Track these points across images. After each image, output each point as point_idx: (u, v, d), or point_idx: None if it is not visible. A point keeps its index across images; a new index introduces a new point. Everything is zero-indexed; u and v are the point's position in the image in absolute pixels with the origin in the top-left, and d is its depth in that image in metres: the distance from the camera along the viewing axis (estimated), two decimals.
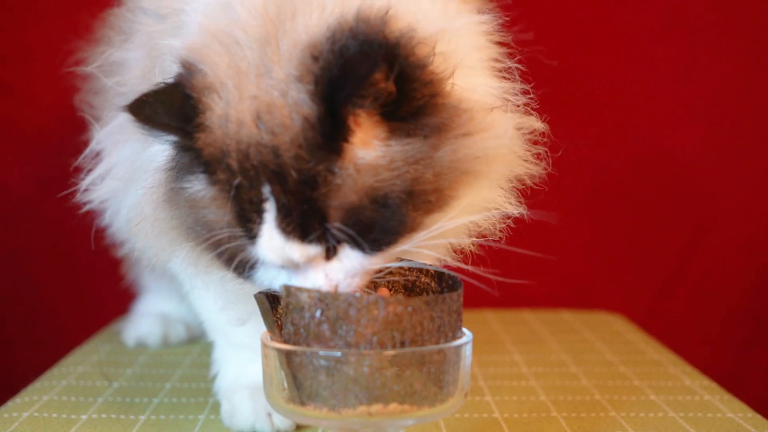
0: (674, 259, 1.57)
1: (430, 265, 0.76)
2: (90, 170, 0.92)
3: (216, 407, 0.92)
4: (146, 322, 1.24)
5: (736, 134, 1.55)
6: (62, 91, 1.13)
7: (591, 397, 0.98)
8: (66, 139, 1.15)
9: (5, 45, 1.47)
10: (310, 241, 0.68)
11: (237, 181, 0.68)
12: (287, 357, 0.66)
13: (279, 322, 0.70)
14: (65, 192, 0.91)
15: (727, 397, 0.98)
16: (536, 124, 0.77)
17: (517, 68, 0.79)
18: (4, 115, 1.48)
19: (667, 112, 1.56)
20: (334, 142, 0.68)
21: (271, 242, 0.68)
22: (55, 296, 1.53)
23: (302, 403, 0.67)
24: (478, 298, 1.03)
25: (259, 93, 0.68)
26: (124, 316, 1.32)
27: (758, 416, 0.91)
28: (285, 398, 0.68)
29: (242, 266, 0.72)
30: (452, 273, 0.72)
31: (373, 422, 0.66)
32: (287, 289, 0.67)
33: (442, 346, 0.66)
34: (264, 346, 0.69)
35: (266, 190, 0.68)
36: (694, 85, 1.54)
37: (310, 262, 0.70)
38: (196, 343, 1.22)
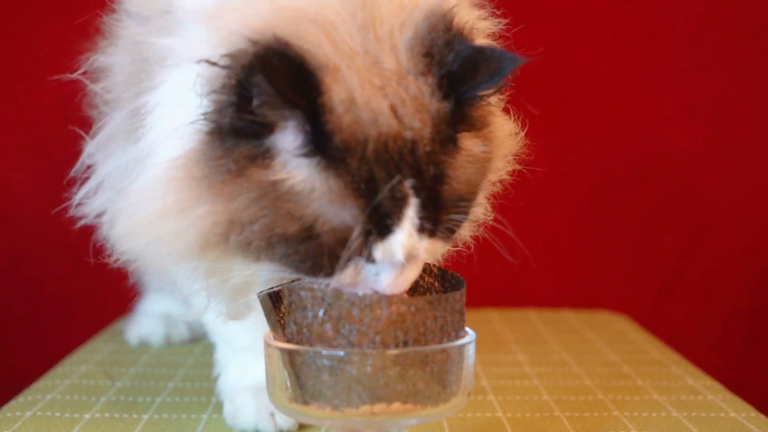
0: (677, 258, 1.57)
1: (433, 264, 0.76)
2: (82, 183, 0.90)
3: (219, 407, 0.92)
4: (149, 321, 1.24)
5: (738, 135, 1.55)
6: (65, 93, 1.13)
7: (594, 396, 0.98)
8: (69, 140, 1.15)
9: (7, 45, 1.47)
10: (439, 237, 0.68)
11: (370, 173, 0.65)
12: (290, 356, 0.66)
13: (282, 321, 0.70)
14: (65, 205, 0.89)
15: (730, 396, 0.98)
16: (515, 128, 0.79)
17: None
18: (5, 115, 1.49)
19: (669, 114, 1.56)
20: (456, 136, 0.69)
21: (409, 238, 0.66)
22: (57, 296, 1.53)
23: (305, 403, 0.67)
24: (481, 298, 1.03)
25: (382, 82, 0.66)
26: (126, 315, 1.32)
27: (761, 416, 0.91)
28: (288, 398, 0.68)
29: (336, 263, 0.67)
30: (455, 273, 0.72)
31: (376, 422, 0.66)
32: (290, 288, 0.67)
33: (445, 345, 0.66)
34: (267, 345, 0.69)
35: (409, 184, 0.65)
36: (696, 86, 1.54)
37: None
38: (199, 343, 1.22)
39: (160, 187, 0.69)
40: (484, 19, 0.78)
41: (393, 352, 0.64)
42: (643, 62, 1.55)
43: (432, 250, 0.69)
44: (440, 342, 0.66)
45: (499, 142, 0.75)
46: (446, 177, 0.68)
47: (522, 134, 0.78)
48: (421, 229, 0.67)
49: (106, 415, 0.91)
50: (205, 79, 0.66)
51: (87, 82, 0.85)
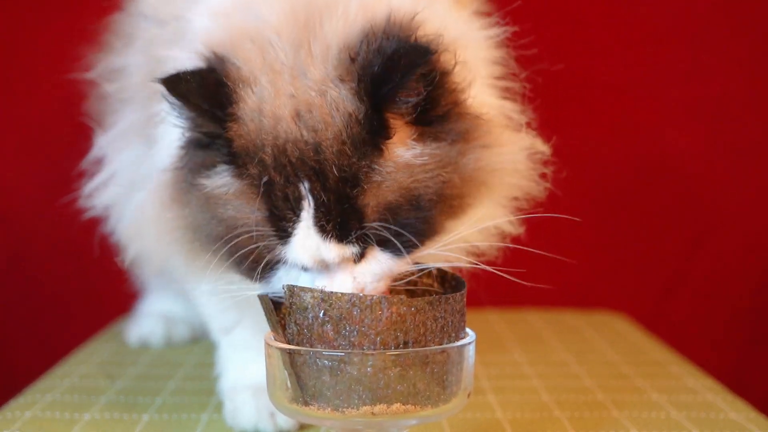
0: (677, 259, 1.57)
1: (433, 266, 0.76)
2: (92, 176, 0.92)
3: (219, 407, 0.92)
4: (149, 321, 1.24)
5: (740, 136, 1.55)
6: (65, 93, 1.14)
7: (594, 396, 0.98)
8: (68, 140, 1.15)
9: (8, 46, 1.47)
10: (348, 242, 0.68)
11: (268, 177, 0.68)
12: (291, 357, 0.66)
13: (282, 322, 0.70)
14: (68, 198, 0.91)
15: (730, 397, 0.98)
16: (541, 147, 0.78)
17: (522, 86, 0.81)
18: (6, 116, 1.49)
19: (671, 114, 1.56)
20: (377, 139, 0.68)
21: (307, 241, 0.67)
22: (57, 296, 1.53)
23: (305, 403, 0.67)
24: (481, 298, 1.03)
25: (296, 92, 0.69)
26: (126, 315, 1.32)
27: (761, 416, 0.91)
28: (288, 398, 0.68)
29: (260, 266, 0.70)
30: (455, 274, 0.72)
31: (376, 422, 0.66)
32: (291, 289, 0.67)
33: (445, 346, 0.66)
34: (267, 346, 0.69)
35: (304, 186, 0.67)
36: (698, 87, 1.54)
37: (339, 264, 0.69)
38: (199, 343, 1.22)
39: (148, 197, 0.76)
40: (486, 27, 0.79)
41: (393, 352, 0.64)
42: (644, 63, 1.55)
43: (346, 257, 0.68)
44: (440, 343, 0.66)
45: (501, 155, 0.74)
46: (361, 181, 0.68)
47: (544, 150, 0.78)
48: (323, 233, 0.67)
49: (106, 415, 0.91)
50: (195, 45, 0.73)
51: (102, 82, 0.88)
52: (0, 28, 1.48)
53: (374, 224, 0.68)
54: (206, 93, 0.69)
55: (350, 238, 0.68)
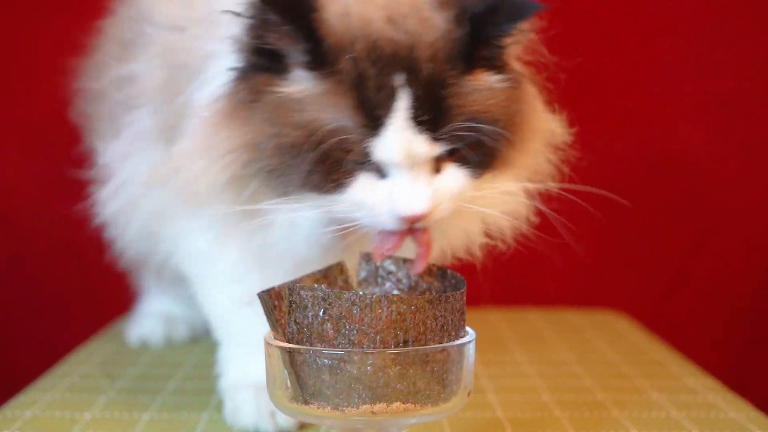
0: (679, 258, 1.57)
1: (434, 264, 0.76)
2: (100, 182, 0.93)
3: (219, 406, 0.92)
4: (149, 321, 1.24)
5: (744, 135, 1.55)
6: (65, 93, 1.14)
7: (594, 396, 0.98)
8: (69, 140, 1.16)
9: (7, 45, 1.48)
10: (438, 138, 0.70)
11: (359, 71, 0.69)
12: (290, 356, 0.66)
13: (282, 321, 0.70)
14: (79, 206, 0.92)
15: (730, 397, 0.98)
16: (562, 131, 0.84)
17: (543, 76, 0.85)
18: (5, 115, 1.49)
19: (674, 112, 1.55)
20: (467, 59, 0.73)
21: (400, 133, 0.69)
22: (57, 296, 1.53)
23: (305, 402, 0.67)
24: (481, 297, 1.03)
25: (388, 4, 0.73)
26: (126, 315, 1.32)
27: (762, 416, 0.91)
28: (288, 397, 0.68)
29: (339, 171, 0.71)
30: (455, 272, 0.72)
31: (376, 421, 0.66)
32: (290, 287, 0.67)
33: (445, 345, 0.66)
34: (267, 344, 0.69)
35: (399, 78, 0.69)
36: (702, 84, 1.54)
37: (421, 169, 0.71)
38: (199, 343, 1.22)
39: (190, 130, 0.75)
40: None
41: (393, 351, 0.64)
42: (652, 60, 1.54)
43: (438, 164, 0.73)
44: (440, 341, 0.66)
45: (543, 118, 0.80)
46: (451, 86, 0.71)
47: (566, 132, 0.84)
48: (418, 125, 0.70)
49: (107, 414, 0.92)
50: (230, 38, 0.74)
51: (110, 89, 0.89)
52: (0, 28, 1.48)
53: (462, 127, 0.71)
54: (292, 2, 0.70)
55: (442, 133, 0.70)
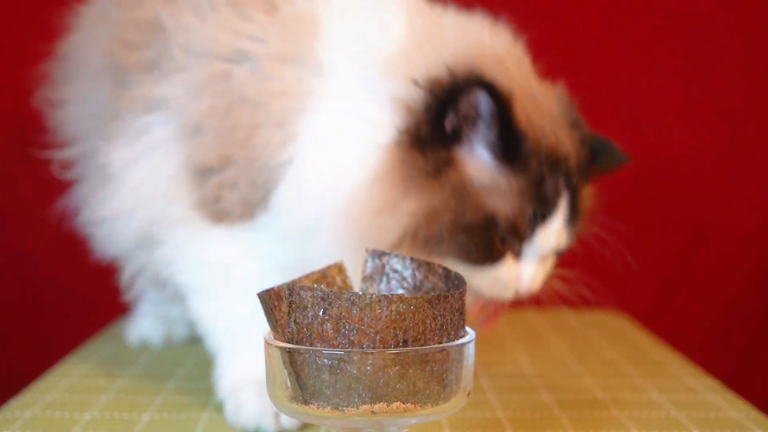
0: (677, 258, 1.57)
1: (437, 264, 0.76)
2: (91, 181, 0.94)
3: (219, 406, 0.92)
4: (148, 322, 1.24)
5: (738, 134, 1.55)
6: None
7: (593, 396, 0.98)
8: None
9: (7, 45, 1.48)
10: (571, 233, 0.86)
11: (541, 173, 0.81)
12: (290, 356, 0.66)
13: (282, 321, 0.70)
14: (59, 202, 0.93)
15: (730, 396, 0.98)
16: None
17: None
18: (4, 115, 1.49)
19: (669, 112, 1.56)
20: (586, 173, 0.90)
21: (561, 228, 0.83)
22: (57, 295, 1.53)
23: (305, 402, 0.67)
24: None
25: (544, 110, 0.84)
26: (126, 315, 1.32)
27: (761, 415, 0.91)
28: (288, 397, 0.68)
29: (493, 251, 0.82)
30: (458, 273, 0.72)
31: (376, 421, 0.66)
32: (290, 287, 0.67)
33: (444, 345, 0.66)
34: (267, 345, 0.69)
35: (562, 182, 0.83)
36: (696, 85, 1.54)
37: (550, 254, 0.87)
38: (199, 343, 1.22)
39: (369, 191, 0.81)
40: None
41: (393, 351, 0.64)
42: (643, 62, 1.55)
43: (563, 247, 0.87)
44: (439, 341, 0.66)
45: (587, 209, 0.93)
46: (580, 193, 0.87)
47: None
48: (568, 219, 0.84)
49: (106, 414, 0.92)
50: (399, 102, 0.81)
51: (140, 108, 0.90)
52: (1, 28, 1.48)
53: (576, 226, 0.87)
54: (493, 99, 0.79)
55: (574, 229, 0.86)
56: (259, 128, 0.86)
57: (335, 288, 0.75)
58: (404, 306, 0.64)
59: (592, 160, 0.89)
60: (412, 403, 0.65)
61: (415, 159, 0.80)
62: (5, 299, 1.51)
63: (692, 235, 1.57)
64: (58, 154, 1.09)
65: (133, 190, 0.91)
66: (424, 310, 0.65)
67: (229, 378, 0.92)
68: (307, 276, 0.74)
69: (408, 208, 0.80)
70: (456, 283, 0.73)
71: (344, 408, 0.65)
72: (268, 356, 0.69)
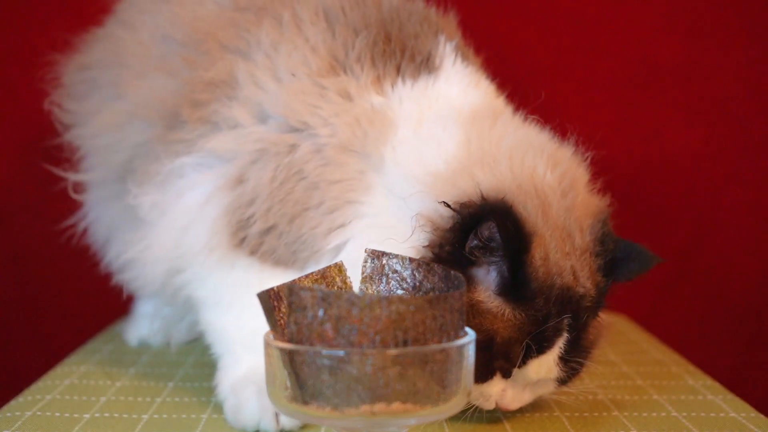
0: (677, 258, 1.57)
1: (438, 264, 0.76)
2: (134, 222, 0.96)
3: (219, 407, 0.92)
4: (148, 322, 1.24)
5: (739, 134, 1.55)
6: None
7: (594, 396, 0.98)
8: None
9: (7, 45, 1.47)
10: (562, 372, 0.86)
11: (546, 311, 0.82)
12: (290, 356, 0.66)
13: (282, 321, 0.70)
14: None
15: (730, 396, 0.98)
16: None
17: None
18: (5, 114, 1.48)
19: (669, 112, 1.55)
20: (600, 306, 0.88)
21: (551, 363, 0.84)
22: (57, 296, 1.53)
23: (305, 403, 0.67)
24: None
25: (570, 252, 0.84)
26: (126, 316, 1.32)
27: (761, 416, 0.91)
28: (288, 397, 0.68)
29: (485, 370, 0.83)
30: (458, 273, 0.72)
31: (376, 421, 0.66)
32: (290, 288, 0.67)
33: (444, 345, 0.66)
34: (267, 345, 0.69)
35: (567, 320, 0.83)
36: (696, 84, 1.54)
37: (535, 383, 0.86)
38: (199, 343, 1.22)
39: None
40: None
41: (393, 351, 0.64)
42: (644, 61, 1.54)
43: (548, 383, 0.87)
44: (439, 341, 0.66)
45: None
46: (589, 329, 0.87)
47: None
48: (559, 359, 0.84)
49: (106, 414, 0.92)
50: (427, 219, 0.82)
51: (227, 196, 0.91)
52: (1, 28, 1.48)
53: (577, 362, 0.86)
54: (513, 235, 0.80)
55: (564, 368, 0.85)
56: (309, 210, 0.88)
57: (335, 288, 0.75)
58: (404, 306, 0.64)
59: (618, 270, 0.88)
60: (411, 404, 0.65)
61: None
62: (5, 299, 1.51)
63: (692, 235, 1.57)
64: (75, 176, 1.10)
65: (168, 236, 0.92)
66: (423, 310, 0.65)
67: (229, 378, 0.92)
68: (307, 276, 0.74)
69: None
70: (456, 284, 0.73)
71: (344, 408, 0.65)
72: (268, 356, 0.69)
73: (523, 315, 0.81)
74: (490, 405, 0.86)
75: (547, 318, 0.82)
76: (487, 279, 0.82)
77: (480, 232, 0.80)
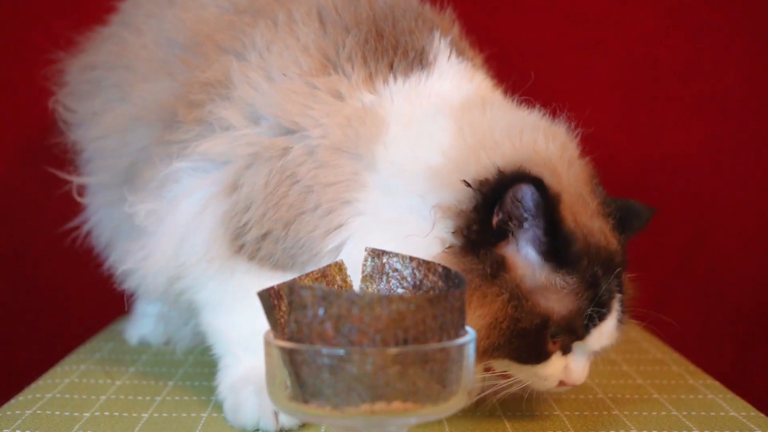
0: (677, 257, 1.57)
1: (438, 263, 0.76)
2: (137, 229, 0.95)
3: (218, 406, 0.92)
4: (148, 321, 1.24)
5: (739, 133, 1.55)
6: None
7: (594, 395, 0.98)
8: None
9: (7, 44, 1.47)
10: (623, 325, 0.86)
11: (595, 274, 0.81)
12: (290, 355, 0.66)
13: (282, 320, 0.70)
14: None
15: (729, 395, 0.98)
16: None
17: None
18: (5, 114, 1.49)
19: (670, 111, 1.56)
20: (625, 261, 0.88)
21: (614, 328, 0.84)
22: (57, 295, 1.53)
23: (305, 402, 0.66)
24: None
25: (590, 212, 0.84)
26: (126, 315, 1.32)
27: (761, 415, 0.91)
28: (288, 396, 0.68)
29: (542, 350, 0.82)
30: (458, 272, 0.72)
31: (376, 420, 0.66)
32: (290, 286, 0.67)
33: (444, 344, 0.66)
34: (267, 344, 0.69)
35: (615, 281, 0.83)
36: (697, 83, 1.54)
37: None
38: (199, 343, 1.21)
39: None
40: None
41: (393, 350, 0.64)
42: (644, 60, 1.55)
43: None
44: (439, 340, 0.66)
45: None
46: (626, 286, 0.87)
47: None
48: (620, 318, 0.84)
49: (106, 413, 0.92)
50: (445, 209, 0.81)
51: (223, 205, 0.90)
52: (1, 28, 1.48)
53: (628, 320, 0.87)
54: (542, 197, 0.78)
55: (623, 326, 0.85)
56: (305, 214, 0.88)
57: (335, 287, 0.75)
58: (404, 305, 0.64)
59: (622, 228, 0.88)
60: (412, 403, 0.65)
61: (470, 262, 0.80)
62: (5, 299, 1.51)
63: (693, 234, 1.57)
64: (78, 179, 1.10)
65: (166, 246, 0.91)
66: (424, 309, 0.65)
67: (229, 378, 0.92)
68: (307, 275, 0.74)
69: (475, 324, 0.78)
70: (456, 283, 0.73)
71: (344, 407, 0.65)
72: (268, 355, 0.69)
73: (576, 279, 0.80)
74: (550, 384, 0.84)
75: (597, 281, 0.81)
76: (524, 253, 0.81)
77: (505, 202, 0.80)
